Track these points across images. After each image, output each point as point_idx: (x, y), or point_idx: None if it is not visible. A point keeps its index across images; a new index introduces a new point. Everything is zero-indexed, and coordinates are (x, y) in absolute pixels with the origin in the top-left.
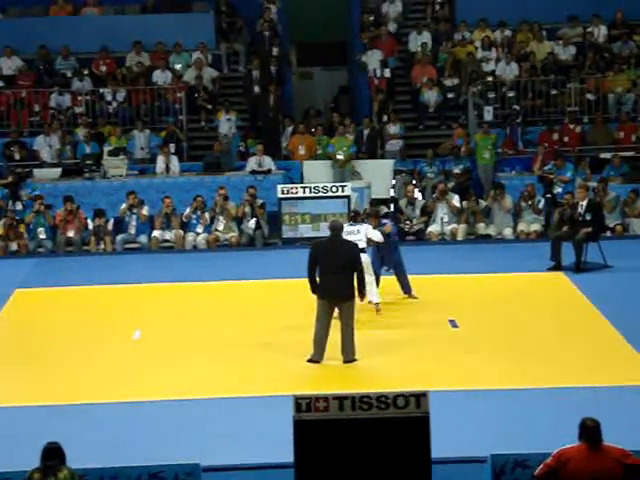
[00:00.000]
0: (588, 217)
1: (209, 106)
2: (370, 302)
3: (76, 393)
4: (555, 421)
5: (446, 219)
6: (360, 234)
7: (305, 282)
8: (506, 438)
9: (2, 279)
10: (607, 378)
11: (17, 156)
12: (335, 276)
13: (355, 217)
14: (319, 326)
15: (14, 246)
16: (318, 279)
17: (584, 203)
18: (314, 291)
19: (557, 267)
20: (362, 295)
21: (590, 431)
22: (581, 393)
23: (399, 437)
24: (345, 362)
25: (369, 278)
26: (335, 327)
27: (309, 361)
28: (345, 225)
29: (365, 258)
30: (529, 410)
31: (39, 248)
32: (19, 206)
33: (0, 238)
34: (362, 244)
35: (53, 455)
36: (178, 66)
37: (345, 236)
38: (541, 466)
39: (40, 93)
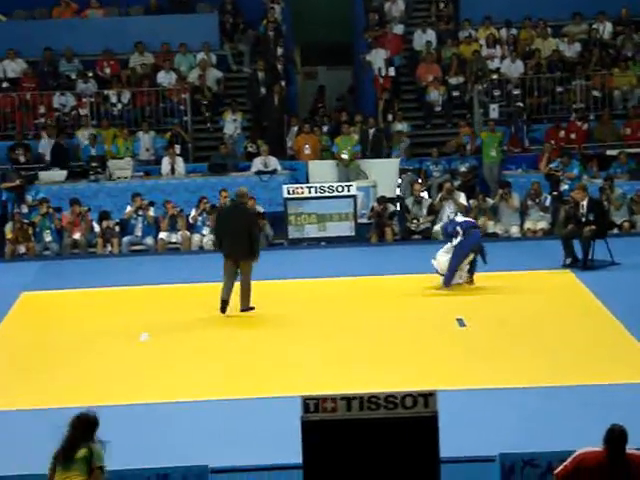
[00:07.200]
0: (591, 217)
1: (206, 105)
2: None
3: (83, 395)
4: (564, 419)
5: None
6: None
7: (318, 283)
8: (515, 437)
9: (9, 282)
10: (615, 375)
11: (22, 159)
12: (235, 239)
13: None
14: (226, 278)
15: (22, 249)
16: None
17: (584, 203)
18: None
19: (574, 262)
20: (254, 255)
21: (613, 440)
22: (589, 391)
23: (407, 437)
24: (242, 310)
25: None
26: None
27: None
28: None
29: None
30: (538, 408)
31: (45, 251)
32: (25, 209)
33: (9, 241)
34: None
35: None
36: (183, 67)
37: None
38: (561, 467)
39: (44, 95)
